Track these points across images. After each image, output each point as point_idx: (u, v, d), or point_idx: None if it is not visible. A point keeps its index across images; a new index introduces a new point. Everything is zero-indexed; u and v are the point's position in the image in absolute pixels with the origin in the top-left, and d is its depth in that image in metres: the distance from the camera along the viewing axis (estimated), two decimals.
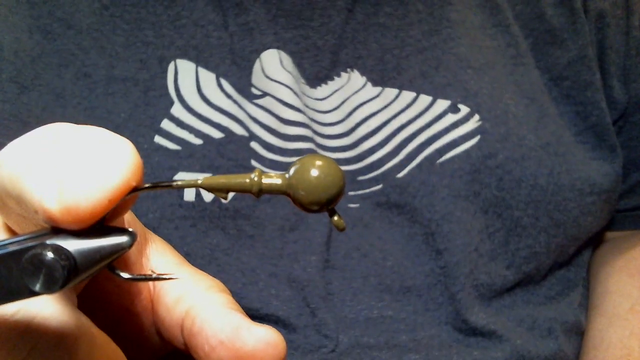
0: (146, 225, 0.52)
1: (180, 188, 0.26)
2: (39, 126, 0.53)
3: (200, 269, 0.52)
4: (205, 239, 0.50)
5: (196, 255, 0.50)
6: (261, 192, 0.26)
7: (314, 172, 0.26)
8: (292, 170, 0.27)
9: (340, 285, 0.51)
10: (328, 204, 0.27)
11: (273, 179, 0.27)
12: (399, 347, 0.51)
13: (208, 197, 0.51)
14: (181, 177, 0.50)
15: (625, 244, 0.65)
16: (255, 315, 0.50)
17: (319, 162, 0.27)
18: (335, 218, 0.28)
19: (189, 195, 0.50)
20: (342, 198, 0.32)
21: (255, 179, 0.26)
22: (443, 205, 0.51)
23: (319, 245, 0.51)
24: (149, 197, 0.50)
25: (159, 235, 0.52)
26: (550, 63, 0.57)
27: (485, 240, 0.52)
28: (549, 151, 0.54)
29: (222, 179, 0.26)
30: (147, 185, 0.26)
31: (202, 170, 0.51)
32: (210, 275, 0.53)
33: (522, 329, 0.54)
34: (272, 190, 0.26)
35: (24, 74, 0.52)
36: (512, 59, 0.56)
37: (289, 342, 0.50)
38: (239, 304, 0.51)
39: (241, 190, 0.26)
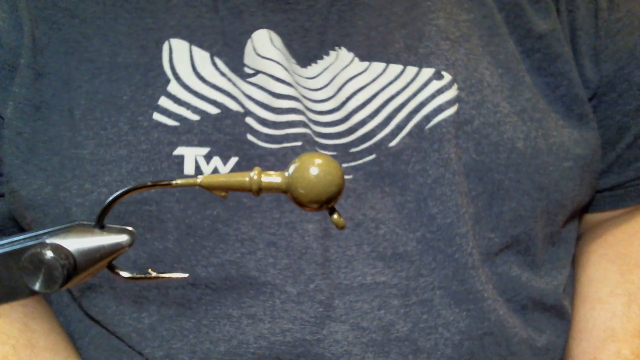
0: (148, 199, 0.53)
1: (180, 187, 0.26)
2: (49, 111, 0.54)
3: (201, 240, 0.54)
4: (206, 211, 0.51)
5: (197, 227, 0.51)
6: (260, 190, 0.26)
7: (314, 171, 0.26)
8: (291, 169, 0.26)
9: (335, 253, 0.52)
10: (327, 202, 0.27)
11: (272, 177, 0.26)
12: (389, 315, 0.52)
13: (208, 171, 0.52)
14: (180, 152, 0.51)
15: (605, 231, 0.68)
16: (253, 284, 0.51)
17: (318, 161, 0.27)
18: (335, 216, 0.28)
19: (189, 168, 0.51)
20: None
21: (255, 177, 0.26)
22: (435, 169, 0.53)
23: (315, 214, 0.52)
24: (151, 174, 0.51)
25: (161, 209, 0.53)
26: (521, 36, 0.59)
27: (469, 203, 0.54)
28: (524, 117, 0.56)
29: (221, 178, 0.26)
30: (146, 184, 0.26)
31: (200, 145, 0.51)
32: (211, 245, 0.55)
33: (502, 300, 0.55)
34: (272, 189, 0.26)
35: (38, 60, 0.54)
36: (488, 30, 0.58)
37: (284, 311, 0.51)
38: (237, 272, 0.53)
39: (240, 189, 0.26)
